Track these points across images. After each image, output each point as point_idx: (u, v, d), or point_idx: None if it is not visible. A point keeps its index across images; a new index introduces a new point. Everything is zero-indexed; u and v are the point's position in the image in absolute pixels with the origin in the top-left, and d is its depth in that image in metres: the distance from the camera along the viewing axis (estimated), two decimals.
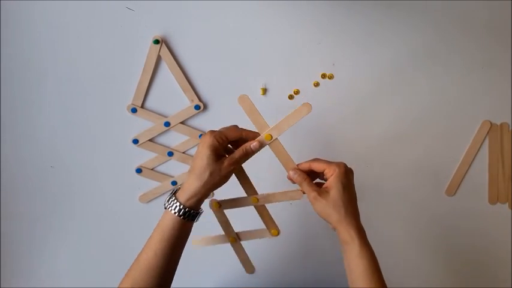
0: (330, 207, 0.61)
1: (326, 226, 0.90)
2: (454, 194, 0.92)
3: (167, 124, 0.82)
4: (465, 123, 0.90)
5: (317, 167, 0.64)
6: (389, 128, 0.88)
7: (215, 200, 0.68)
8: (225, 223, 0.71)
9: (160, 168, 0.86)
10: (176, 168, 0.86)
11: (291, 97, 0.85)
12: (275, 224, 0.71)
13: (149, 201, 0.87)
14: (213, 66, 0.82)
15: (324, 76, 0.85)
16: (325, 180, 0.64)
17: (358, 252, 0.60)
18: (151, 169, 0.85)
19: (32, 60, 0.79)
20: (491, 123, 0.89)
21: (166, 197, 0.62)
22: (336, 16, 0.82)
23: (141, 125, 0.83)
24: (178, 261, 0.63)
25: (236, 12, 0.81)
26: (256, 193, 0.68)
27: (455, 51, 0.86)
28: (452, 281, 0.97)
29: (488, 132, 0.89)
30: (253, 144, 0.64)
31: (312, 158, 0.66)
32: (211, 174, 0.60)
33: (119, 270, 0.89)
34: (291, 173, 0.65)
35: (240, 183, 0.68)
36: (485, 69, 0.87)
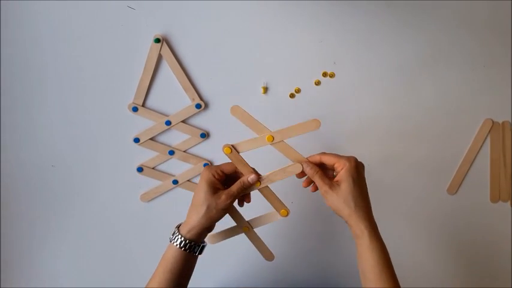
0: (341, 201, 0.61)
1: (326, 227, 0.91)
2: (456, 192, 0.92)
3: (168, 123, 0.82)
4: (467, 122, 0.89)
5: (327, 160, 0.64)
6: (391, 126, 0.88)
7: None
8: (235, 214, 0.71)
9: (162, 167, 0.86)
10: (177, 167, 0.86)
11: (292, 96, 0.85)
12: (283, 205, 0.71)
13: (150, 200, 0.87)
14: (214, 65, 0.82)
15: (325, 74, 0.84)
16: (335, 174, 0.65)
17: (368, 245, 0.60)
18: (153, 168, 0.85)
19: (33, 60, 0.79)
20: (492, 121, 0.89)
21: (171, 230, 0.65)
22: (337, 14, 0.82)
23: (142, 123, 0.83)
24: None
25: (237, 11, 0.80)
26: (257, 173, 0.67)
27: (457, 50, 0.86)
28: (453, 279, 0.96)
29: (489, 131, 0.89)
30: (250, 177, 0.65)
31: (321, 152, 0.66)
32: (208, 207, 0.62)
33: (120, 270, 0.90)
34: (304, 165, 0.65)
35: (237, 166, 0.67)
36: (487, 68, 0.87)
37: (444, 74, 0.87)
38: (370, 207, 0.63)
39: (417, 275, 0.96)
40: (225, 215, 0.65)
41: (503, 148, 0.90)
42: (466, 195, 0.92)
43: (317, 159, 0.65)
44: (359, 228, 0.61)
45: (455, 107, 0.88)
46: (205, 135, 0.84)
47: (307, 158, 0.66)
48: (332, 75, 0.84)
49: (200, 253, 0.65)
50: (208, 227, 0.64)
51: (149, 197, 0.86)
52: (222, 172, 0.65)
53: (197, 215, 0.62)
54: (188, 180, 0.86)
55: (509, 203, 0.93)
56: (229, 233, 0.73)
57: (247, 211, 0.70)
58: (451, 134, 0.89)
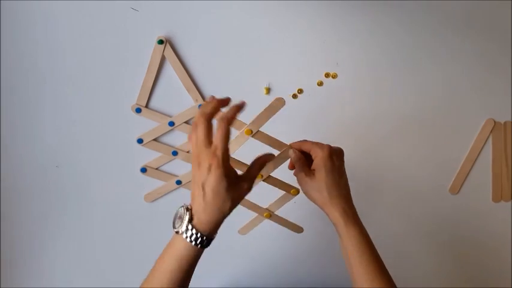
0: (315, 189, 0.61)
1: (328, 226, 0.91)
2: (458, 192, 0.92)
3: (171, 124, 0.83)
4: (469, 122, 0.90)
5: (305, 147, 0.64)
6: (393, 126, 0.88)
7: None
8: (252, 205, 0.81)
9: (165, 168, 0.86)
10: (181, 168, 0.86)
11: (295, 96, 0.85)
12: (291, 185, 0.76)
13: (154, 200, 0.87)
14: (216, 65, 0.82)
15: (327, 75, 0.85)
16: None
17: (346, 233, 0.60)
18: (156, 168, 0.86)
19: (36, 61, 0.79)
20: (494, 121, 0.89)
21: (179, 225, 0.56)
22: (340, 15, 0.83)
23: (146, 124, 0.83)
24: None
25: (240, 12, 0.81)
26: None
27: (460, 50, 0.86)
28: (454, 279, 0.97)
29: (491, 131, 0.89)
30: (263, 156, 0.60)
31: (303, 139, 0.66)
32: (233, 201, 0.54)
33: (124, 270, 0.91)
34: (290, 151, 0.65)
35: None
36: (489, 68, 0.87)
37: (446, 74, 0.87)
38: (347, 195, 0.63)
39: (418, 275, 0.96)
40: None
41: (505, 148, 0.91)
42: (468, 195, 0.92)
43: (297, 146, 0.66)
44: (334, 216, 0.60)
45: (458, 106, 0.89)
46: None
47: (290, 144, 0.67)
48: (334, 76, 0.85)
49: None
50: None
51: (153, 198, 0.87)
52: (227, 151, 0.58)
53: (219, 210, 0.53)
54: (191, 181, 0.86)
55: (511, 203, 0.93)
56: (256, 221, 0.84)
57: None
58: (453, 133, 0.90)
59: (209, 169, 0.52)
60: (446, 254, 0.96)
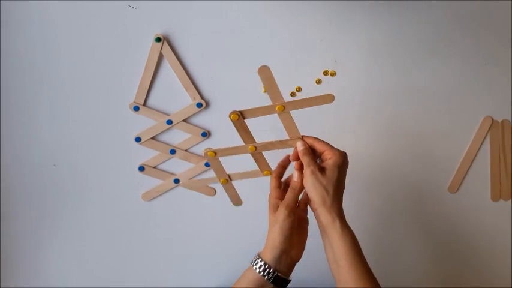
0: (322, 185, 0.62)
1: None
2: (457, 191, 0.92)
3: (169, 122, 0.82)
4: (466, 120, 0.90)
5: (319, 146, 0.65)
6: (391, 124, 0.88)
7: (210, 148, 0.69)
8: (217, 167, 0.72)
9: (163, 166, 0.86)
10: (179, 166, 0.86)
11: (293, 94, 0.85)
12: (269, 166, 0.72)
13: (152, 199, 0.87)
14: (214, 63, 0.82)
15: (326, 73, 0.84)
16: (319, 161, 0.66)
17: (340, 235, 0.61)
18: (154, 167, 0.85)
19: (33, 59, 0.79)
20: (492, 119, 0.89)
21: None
22: (338, 13, 0.82)
23: (144, 123, 0.83)
24: None
25: (238, 10, 0.80)
26: (255, 141, 0.68)
27: (457, 48, 0.86)
28: (453, 279, 0.97)
29: (489, 129, 0.89)
30: (295, 176, 0.66)
31: (314, 136, 0.67)
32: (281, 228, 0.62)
33: (122, 269, 0.90)
34: (299, 143, 0.66)
35: (239, 134, 0.67)
36: (488, 66, 0.87)
37: (444, 72, 0.87)
38: (341, 202, 0.64)
39: (418, 275, 0.96)
40: (292, 218, 0.63)
41: (503, 147, 0.91)
42: (467, 194, 0.92)
43: (310, 141, 0.67)
44: (331, 216, 0.62)
45: (455, 105, 0.88)
46: (206, 134, 0.84)
47: (302, 136, 0.67)
48: (333, 74, 0.84)
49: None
50: (287, 247, 0.63)
51: (151, 196, 0.86)
52: (277, 189, 0.67)
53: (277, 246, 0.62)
54: (190, 179, 0.86)
55: (510, 201, 0.93)
56: (205, 181, 0.80)
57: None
58: (451, 132, 0.90)
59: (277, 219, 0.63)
60: (446, 253, 0.96)
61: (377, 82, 0.86)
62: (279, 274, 0.61)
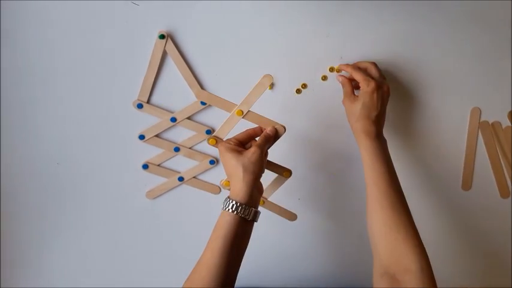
0: (351, 112, 0.75)
1: (333, 224, 0.90)
2: (470, 188, 0.90)
3: (173, 119, 0.82)
4: (456, 113, 0.89)
5: (356, 77, 0.76)
6: (396, 119, 0.87)
7: (215, 136, 0.74)
8: (273, 167, 0.79)
9: (167, 164, 0.85)
10: (183, 164, 0.85)
11: (298, 91, 0.84)
12: (284, 167, 0.79)
13: (156, 197, 0.86)
14: (219, 60, 0.81)
15: (331, 70, 0.83)
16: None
17: (362, 146, 0.72)
18: (158, 165, 0.85)
19: (36, 57, 0.78)
20: (480, 109, 0.87)
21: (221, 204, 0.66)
22: (343, 8, 0.81)
23: (147, 120, 0.82)
24: (238, 262, 0.65)
25: (242, 6, 0.79)
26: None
27: (468, 44, 0.85)
28: (470, 278, 0.96)
29: (479, 127, 0.88)
30: (268, 128, 0.73)
31: (355, 63, 0.79)
32: (243, 165, 0.65)
33: (126, 267, 0.90)
34: (337, 76, 0.81)
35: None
36: (488, 61, 0.86)
37: (452, 66, 0.85)
38: (374, 124, 0.73)
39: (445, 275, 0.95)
40: (263, 167, 0.69)
41: (499, 145, 0.89)
42: (481, 190, 0.91)
43: (349, 71, 0.78)
44: (357, 135, 0.73)
45: (463, 101, 0.87)
46: (210, 132, 0.83)
47: (343, 66, 0.80)
48: (339, 70, 0.83)
49: (254, 219, 0.66)
50: (255, 185, 0.66)
51: (155, 194, 0.86)
52: (237, 140, 0.70)
53: (238, 178, 0.65)
54: (194, 177, 0.85)
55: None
56: (276, 184, 0.82)
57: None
58: (447, 127, 0.89)
59: (219, 152, 0.70)
60: (459, 251, 0.94)
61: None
62: (255, 209, 0.66)
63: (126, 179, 0.85)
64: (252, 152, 0.66)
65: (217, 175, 0.86)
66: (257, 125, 0.75)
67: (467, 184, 0.90)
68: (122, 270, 0.90)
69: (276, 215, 0.86)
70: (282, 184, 0.82)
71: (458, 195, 0.91)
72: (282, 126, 0.74)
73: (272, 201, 0.85)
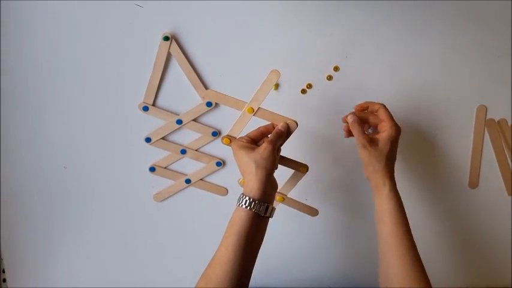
0: (375, 157, 0.69)
1: (340, 223, 0.90)
2: (477, 186, 0.90)
3: (179, 122, 0.81)
4: (463, 112, 0.89)
5: (382, 115, 0.72)
6: (404, 120, 0.87)
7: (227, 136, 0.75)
8: (287, 162, 0.79)
9: (174, 166, 0.85)
10: (189, 166, 0.85)
11: (303, 91, 0.84)
12: (300, 163, 0.79)
13: (163, 199, 0.86)
14: (223, 62, 0.81)
15: (336, 69, 0.83)
16: (370, 131, 0.75)
17: (388, 194, 0.67)
18: (165, 167, 0.85)
19: (40, 61, 0.78)
20: (486, 107, 0.87)
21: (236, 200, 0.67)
22: (347, 7, 0.81)
23: (153, 123, 0.82)
24: (253, 258, 0.65)
25: (246, 7, 0.79)
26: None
27: (470, 44, 0.85)
28: (478, 276, 0.96)
29: (485, 125, 0.88)
30: (280, 124, 0.72)
31: (382, 104, 0.73)
32: (255, 162, 0.66)
33: (134, 269, 0.90)
34: (350, 117, 0.72)
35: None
36: (488, 62, 0.86)
37: (458, 66, 0.85)
38: (394, 170, 0.71)
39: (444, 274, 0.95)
40: (275, 163, 0.69)
41: (504, 141, 0.89)
42: (487, 188, 0.91)
43: (376, 108, 0.73)
44: (382, 180, 0.68)
45: (469, 99, 0.87)
46: (216, 134, 0.83)
47: (364, 103, 0.76)
48: (343, 70, 0.83)
49: (269, 215, 0.66)
50: (268, 180, 0.67)
51: (162, 197, 0.86)
52: (249, 138, 0.71)
53: (251, 174, 0.65)
54: (201, 179, 0.85)
55: None
56: (293, 180, 0.81)
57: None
58: (455, 126, 0.88)
59: (232, 150, 0.71)
60: (466, 249, 0.94)
61: (388, 77, 0.85)
62: (269, 205, 0.66)
63: (133, 181, 0.85)
64: (263, 148, 0.67)
65: (224, 177, 0.86)
66: (269, 122, 0.75)
67: (474, 182, 0.90)
68: (129, 271, 0.90)
69: (284, 215, 0.86)
70: (299, 180, 0.81)
71: (465, 193, 0.91)
72: (294, 121, 0.74)
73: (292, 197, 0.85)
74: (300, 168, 0.79)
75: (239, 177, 0.84)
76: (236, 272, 0.61)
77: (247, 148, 0.68)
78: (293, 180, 0.82)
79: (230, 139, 0.74)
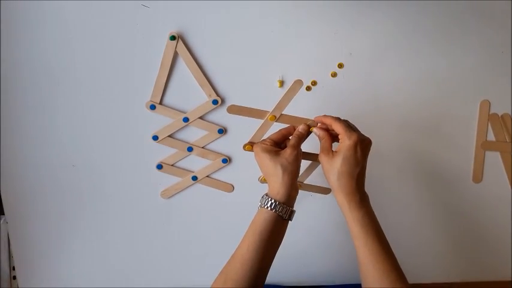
0: (329, 171, 0.66)
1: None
2: (481, 180, 0.91)
3: (186, 120, 0.83)
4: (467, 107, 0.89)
5: (336, 128, 0.69)
6: (409, 116, 0.87)
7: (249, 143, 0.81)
8: (309, 156, 0.81)
9: (181, 164, 0.86)
10: (196, 163, 0.86)
11: (308, 88, 0.84)
12: (316, 154, 0.76)
13: (171, 196, 0.87)
14: (229, 60, 0.82)
15: (341, 66, 0.84)
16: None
17: (350, 215, 0.65)
18: (172, 165, 0.86)
19: (48, 61, 0.79)
20: (489, 102, 0.88)
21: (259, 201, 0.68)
22: (352, 5, 0.81)
23: (160, 121, 0.83)
24: (271, 259, 0.66)
25: (251, 6, 0.80)
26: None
27: (475, 37, 0.85)
28: (482, 270, 0.97)
29: (489, 119, 0.88)
30: (300, 127, 0.74)
31: (335, 117, 0.71)
32: (281, 165, 0.66)
33: (142, 266, 0.91)
34: (315, 129, 0.74)
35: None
36: (491, 56, 0.86)
37: (461, 61, 0.86)
38: (356, 184, 0.66)
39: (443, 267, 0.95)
40: (299, 167, 0.70)
41: (508, 136, 0.89)
42: (491, 183, 0.91)
43: (328, 122, 0.71)
44: (339, 199, 0.66)
45: (472, 95, 0.88)
46: (222, 131, 0.84)
47: (321, 117, 0.74)
48: (347, 66, 0.84)
49: (290, 218, 0.68)
50: (292, 184, 0.68)
51: (169, 194, 0.87)
52: (272, 140, 0.72)
53: (277, 178, 0.66)
54: (207, 176, 0.86)
55: None
56: (310, 169, 0.85)
57: None
58: (460, 122, 0.89)
59: (254, 155, 0.72)
60: (470, 243, 0.95)
61: (393, 74, 0.85)
62: (291, 209, 0.67)
63: (140, 179, 0.86)
64: (288, 153, 0.68)
65: (230, 174, 0.87)
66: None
67: (478, 177, 0.91)
68: (138, 269, 0.92)
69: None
70: (315, 168, 0.86)
71: (469, 188, 0.92)
72: (313, 120, 0.76)
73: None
74: (316, 158, 0.78)
75: (244, 174, 0.85)
76: (255, 271, 0.62)
77: (271, 151, 0.69)
78: (309, 170, 0.86)
79: (251, 145, 0.76)
